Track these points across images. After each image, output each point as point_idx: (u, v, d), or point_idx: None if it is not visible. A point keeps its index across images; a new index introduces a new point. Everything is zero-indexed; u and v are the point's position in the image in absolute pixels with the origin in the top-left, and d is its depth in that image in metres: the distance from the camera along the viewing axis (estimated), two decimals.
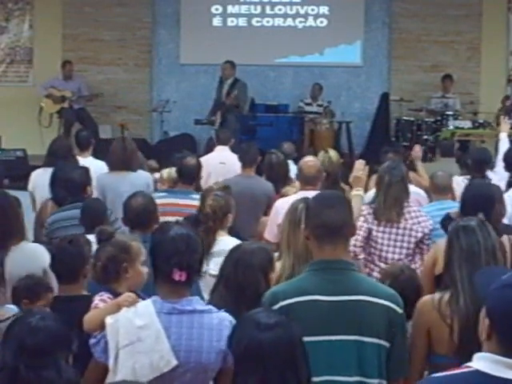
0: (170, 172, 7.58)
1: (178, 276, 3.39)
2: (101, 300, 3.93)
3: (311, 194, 6.43)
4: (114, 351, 3.42)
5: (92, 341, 3.55)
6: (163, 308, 3.42)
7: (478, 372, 2.50)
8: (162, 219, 6.44)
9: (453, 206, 6.75)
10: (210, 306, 3.48)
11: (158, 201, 6.95)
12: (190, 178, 7.13)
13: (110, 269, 4.12)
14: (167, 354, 3.36)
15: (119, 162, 7.50)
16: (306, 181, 6.65)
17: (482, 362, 2.52)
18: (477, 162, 7.85)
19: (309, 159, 6.87)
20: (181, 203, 6.66)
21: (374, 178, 8.73)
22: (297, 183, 7.05)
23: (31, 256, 4.93)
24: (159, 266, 3.47)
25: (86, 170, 6.75)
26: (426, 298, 3.98)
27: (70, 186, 6.52)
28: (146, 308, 3.46)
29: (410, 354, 3.78)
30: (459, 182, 7.71)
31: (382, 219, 6.12)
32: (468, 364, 2.56)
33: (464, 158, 8.60)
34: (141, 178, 7.53)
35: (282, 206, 6.53)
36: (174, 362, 3.36)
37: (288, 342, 2.82)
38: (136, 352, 3.38)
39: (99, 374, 3.54)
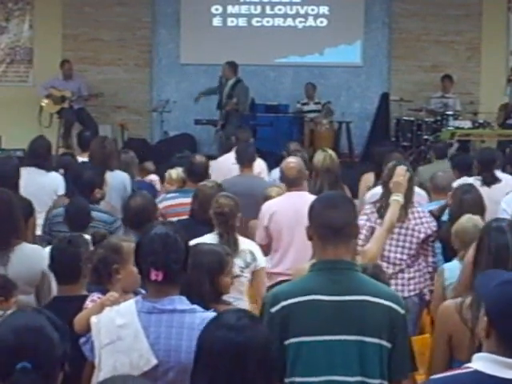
0: (178, 172, 7.57)
1: (154, 276, 3.39)
2: (91, 301, 3.99)
3: (297, 195, 6.49)
4: (97, 350, 3.45)
5: (81, 340, 3.60)
6: (143, 307, 3.43)
7: (477, 372, 2.51)
8: (177, 220, 6.48)
9: None
10: (195, 306, 3.46)
11: (170, 202, 6.99)
12: (198, 176, 7.16)
13: (100, 270, 4.15)
14: (146, 352, 3.36)
15: (97, 161, 7.47)
16: (289, 183, 6.65)
17: (480, 362, 2.52)
18: (484, 163, 7.88)
19: (290, 161, 6.84)
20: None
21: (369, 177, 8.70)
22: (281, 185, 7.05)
23: (32, 257, 4.95)
24: (140, 265, 3.50)
25: (98, 172, 6.72)
26: (448, 302, 3.96)
27: (79, 185, 6.54)
28: (128, 307, 3.48)
29: (431, 359, 3.77)
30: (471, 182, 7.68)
31: None
32: (467, 365, 2.56)
33: (460, 160, 8.59)
34: (117, 178, 7.45)
35: (267, 208, 6.55)
36: (154, 361, 3.36)
37: (239, 347, 2.75)
38: (116, 351, 3.40)
39: (92, 373, 3.57)
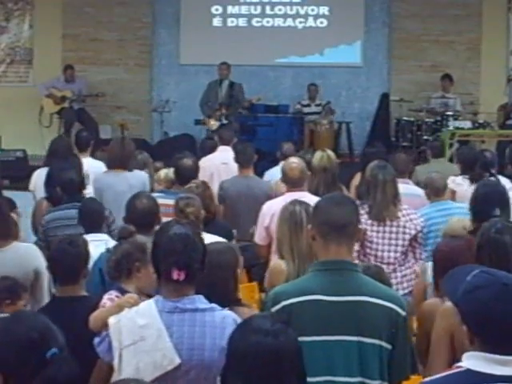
0: (167, 172, 7.57)
1: (177, 275, 3.39)
2: (109, 299, 4.01)
3: (298, 195, 6.49)
4: (117, 351, 3.43)
5: (96, 340, 3.58)
6: (165, 307, 3.44)
7: (469, 371, 2.52)
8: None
9: (451, 206, 6.80)
10: (213, 305, 3.48)
11: None
12: (186, 179, 7.08)
13: (122, 265, 4.20)
14: (170, 352, 3.37)
15: (117, 162, 7.48)
16: (291, 183, 6.64)
17: (472, 360, 2.53)
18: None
19: (292, 161, 6.85)
20: (174, 204, 6.65)
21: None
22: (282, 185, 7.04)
23: (23, 257, 4.94)
24: (159, 265, 3.49)
25: (80, 170, 6.74)
26: (449, 303, 3.92)
27: (66, 186, 6.52)
28: (148, 307, 3.48)
29: (431, 359, 3.74)
30: (459, 182, 7.77)
31: (383, 217, 6.12)
32: (458, 364, 2.57)
33: (466, 155, 8.70)
34: (137, 178, 7.48)
35: (268, 209, 6.55)
36: (177, 361, 3.37)
37: (275, 352, 2.72)
38: (139, 351, 3.40)
39: (105, 373, 3.58)
